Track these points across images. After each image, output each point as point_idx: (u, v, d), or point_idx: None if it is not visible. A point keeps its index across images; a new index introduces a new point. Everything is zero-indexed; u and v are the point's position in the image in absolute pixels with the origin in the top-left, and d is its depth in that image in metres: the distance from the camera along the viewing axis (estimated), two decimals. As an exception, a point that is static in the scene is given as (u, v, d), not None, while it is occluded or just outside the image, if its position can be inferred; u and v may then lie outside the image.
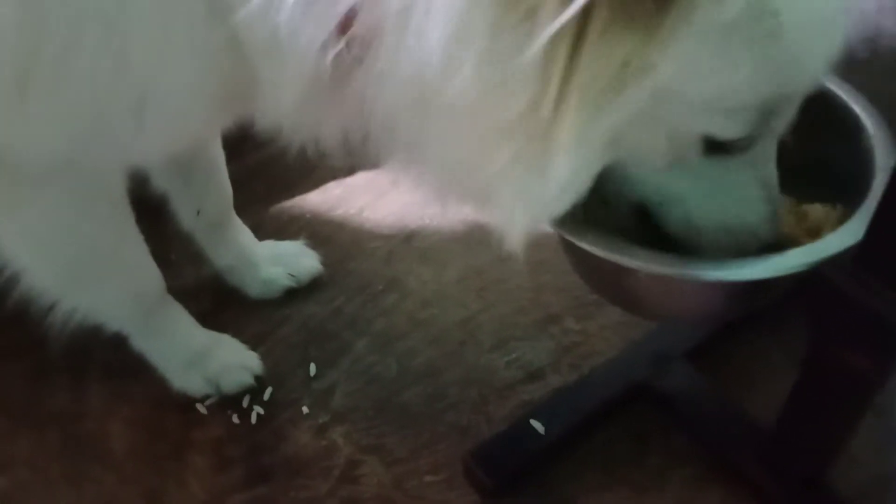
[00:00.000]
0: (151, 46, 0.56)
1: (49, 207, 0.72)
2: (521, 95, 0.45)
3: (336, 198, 1.23)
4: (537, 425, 0.83)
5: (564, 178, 0.49)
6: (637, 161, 0.56)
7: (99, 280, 0.82)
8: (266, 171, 1.28)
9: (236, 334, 1.00)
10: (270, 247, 1.09)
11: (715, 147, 0.55)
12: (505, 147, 0.48)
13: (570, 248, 0.65)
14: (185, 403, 0.94)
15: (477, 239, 1.13)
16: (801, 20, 0.49)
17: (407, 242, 1.15)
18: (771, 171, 0.62)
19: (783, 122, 0.56)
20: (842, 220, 0.63)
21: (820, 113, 0.64)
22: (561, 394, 0.89)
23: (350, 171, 1.27)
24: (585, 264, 0.68)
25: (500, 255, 1.07)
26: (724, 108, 0.51)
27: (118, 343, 0.92)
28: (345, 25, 0.49)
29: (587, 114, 0.46)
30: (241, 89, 0.60)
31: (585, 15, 0.41)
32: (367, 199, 1.22)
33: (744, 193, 0.61)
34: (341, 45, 0.50)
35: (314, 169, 1.26)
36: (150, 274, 0.88)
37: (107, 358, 0.96)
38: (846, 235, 0.56)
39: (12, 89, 0.57)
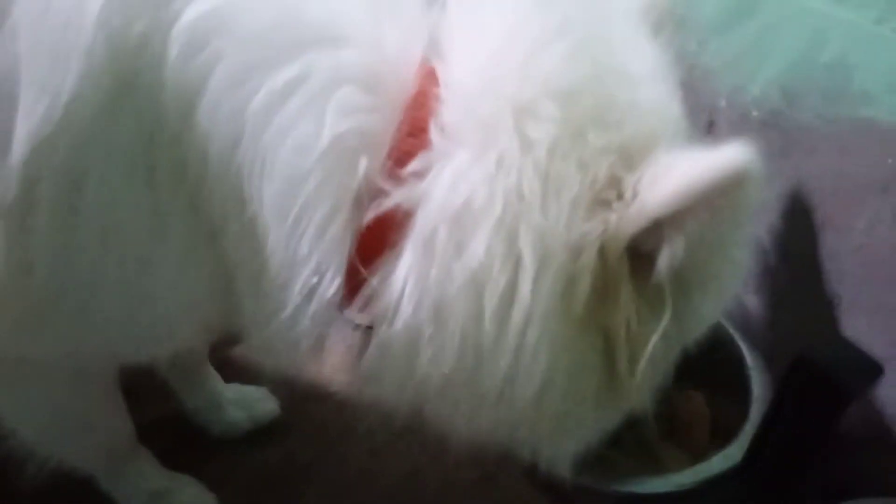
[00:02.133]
0: (168, 306, 0.66)
1: (45, 389, 0.80)
2: (591, 380, 0.59)
3: (297, 341, 1.32)
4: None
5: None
6: None
7: (80, 439, 0.89)
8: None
9: (196, 473, 1.05)
10: (236, 390, 1.17)
11: None
12: (567, 416, 0.61)
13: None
14: (146, 541, 0.99)
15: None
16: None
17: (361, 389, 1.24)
18: None
19: None
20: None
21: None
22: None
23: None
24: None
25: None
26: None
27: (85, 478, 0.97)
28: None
29: (657, 373, 0.61)
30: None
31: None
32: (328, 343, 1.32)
33: None
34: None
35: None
36: (126, 432, 0.95)
37: (73, 489, 0.97)
38: (727, 458, 0.70)
39: (31, 319, 0.65)
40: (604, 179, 0.54)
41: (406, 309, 0.56)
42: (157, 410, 1.13)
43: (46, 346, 0.70)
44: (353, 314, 0.60)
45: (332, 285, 0.58)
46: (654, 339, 0.57)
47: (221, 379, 1.17)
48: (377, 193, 0.56)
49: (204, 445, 1.12)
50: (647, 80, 0.59)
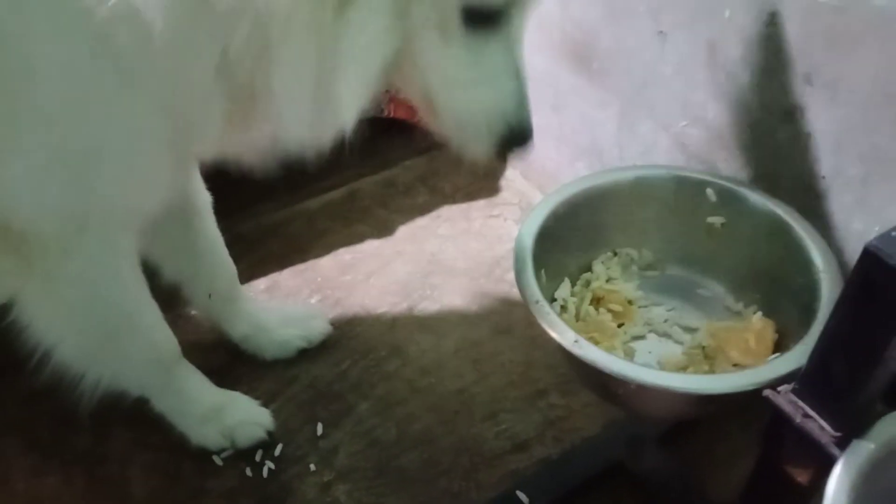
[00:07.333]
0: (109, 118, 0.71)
1: (76, 275, 0.82)
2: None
3: (346, 263, 1.32)
4: (523, 497, 0.92)
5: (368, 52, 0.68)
6: (412, 37, 0.70)
7: (121, 346, 0.90)
8: (280, 232, 1.38)
9: (249, 390, 1.08)
10: (279, 310, 1.17)
11: (474, 18, 0.69)
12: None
13: (568, 357, 0.74)
14: (202, 453, 1.02)
15: (475, 312, 1.23)
16: None
17: (410, 311, 1.24)
18: (521, 61, 0.75)
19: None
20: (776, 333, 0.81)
21: (782, 245, 0.80)
22: (545, 467, 0.98)
23: (359, 238, 1.38)
24: (580, 369, 0.77)
25: (496, 328, 1.18)
26: None
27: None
28: None
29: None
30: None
31: None
32: (375, 266, 1.32)
33: (502, 79, 0.74)
34: None
35: (325, 233, 1.38)
36: (166, 338, 0.96)
37: (129, 404, 1.01)
38: (789, 362, 0.67)
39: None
40: None
41: None
42: (208, 332, 1.16)
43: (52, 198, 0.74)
44: None
45: None
46: None
47: (260, 302, 1.18)
48: None
49: (256, 365, 1.14)
50: None
